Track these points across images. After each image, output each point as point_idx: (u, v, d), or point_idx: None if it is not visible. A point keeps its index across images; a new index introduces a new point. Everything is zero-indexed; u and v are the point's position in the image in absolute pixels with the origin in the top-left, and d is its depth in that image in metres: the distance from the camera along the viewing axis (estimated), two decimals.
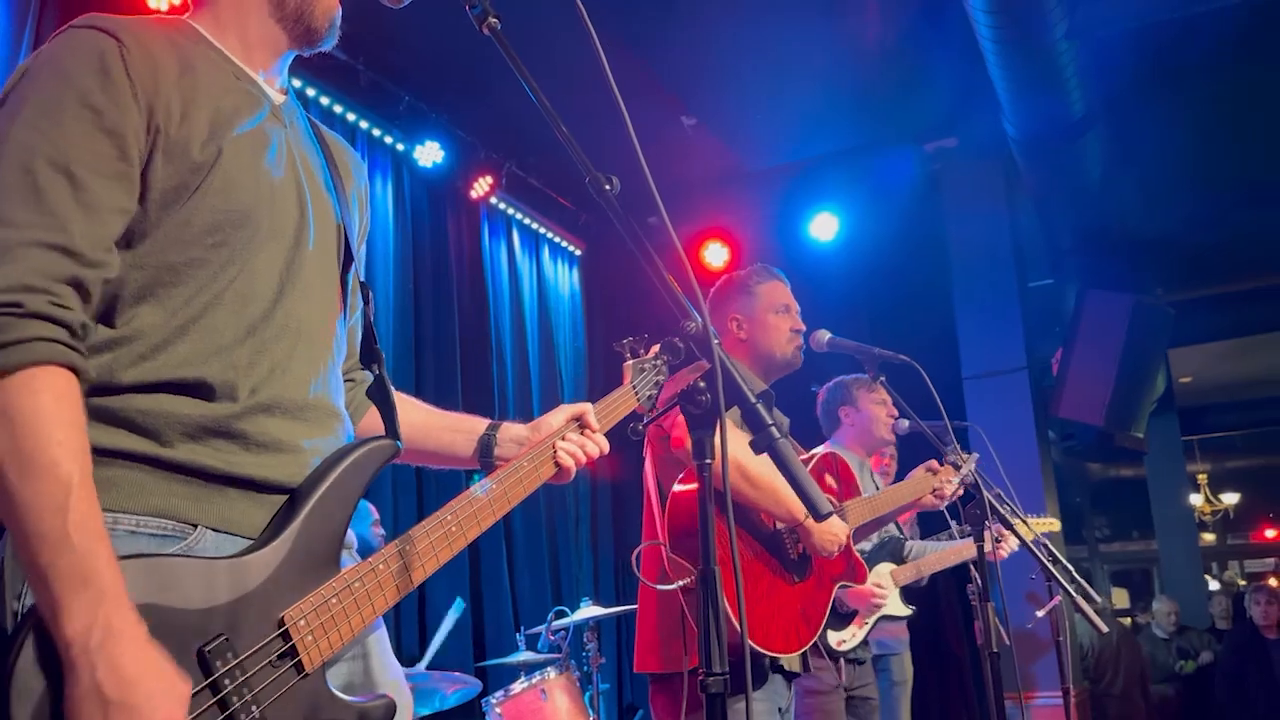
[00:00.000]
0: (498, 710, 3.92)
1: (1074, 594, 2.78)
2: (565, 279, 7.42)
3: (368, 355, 1.55)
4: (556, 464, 1.61)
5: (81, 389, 1.15)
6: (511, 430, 1.70)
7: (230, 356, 1.28)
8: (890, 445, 4.28)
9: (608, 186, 1.35)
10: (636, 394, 1.84)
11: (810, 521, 2.53)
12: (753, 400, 1.23)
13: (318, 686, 1.27)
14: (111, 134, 1.19)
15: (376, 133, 5.58)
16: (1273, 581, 13.59)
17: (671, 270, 1.35)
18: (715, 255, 7.04)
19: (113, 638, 1.05)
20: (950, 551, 3.96)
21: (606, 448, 1.69)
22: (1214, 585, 13.12)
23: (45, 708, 1.05)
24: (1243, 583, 14.90)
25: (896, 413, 3.96)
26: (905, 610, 3.88)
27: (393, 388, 1.52)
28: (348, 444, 1.41)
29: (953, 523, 4.07)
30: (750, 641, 2.36)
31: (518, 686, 3.94)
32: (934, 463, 3.20)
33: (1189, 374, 10.83)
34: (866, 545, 3.90)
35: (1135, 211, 7.24)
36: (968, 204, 6.69)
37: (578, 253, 7.55)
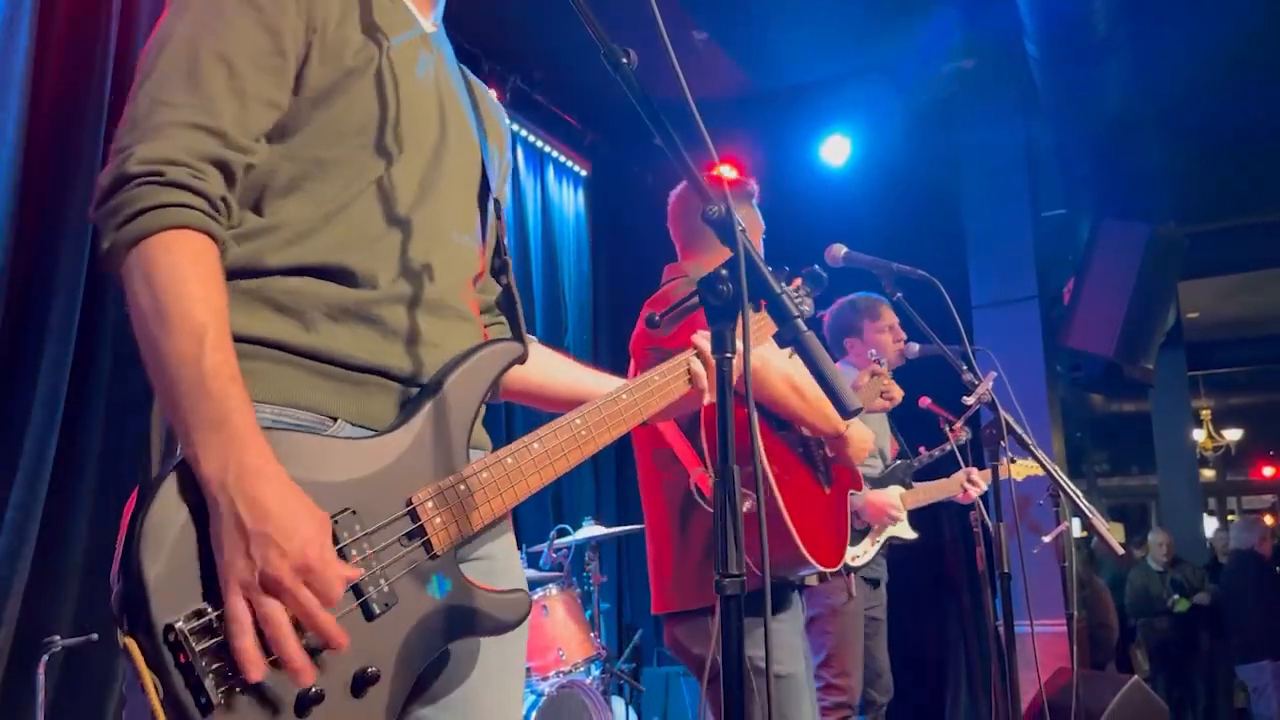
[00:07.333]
0: None
1: (1091, 517, 2.74)
2: (570, 200, 7.27)
3: (498, 266, 1.59)
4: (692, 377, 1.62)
5: (221, 260, 1.22)
6: None
7: (372, 248, 1.34)
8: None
9: (625, 60, 1.26)
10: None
11: (851, 430, 2.48)
12: (778, 289, 1.15)
13: (450, 570, 1.28)
14: (270, 30, 1.28)
15: None
16: (1269, 519, 13.68)
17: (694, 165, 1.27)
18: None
19: (248, 474, 1.11)
20: (948, 482, 3.88)
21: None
22: (1212, 523, 13.19)
23: (186, 546, 1.11)
24: (1234, 517, 15.00)
25: (904, 336, 3.87)
26: (912, 534, 3.84)
27: (519, 299, 1.56)
28: (475, 344, 1.46)
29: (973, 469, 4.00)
30: (804, 550, 2.32)
31: None
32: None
33: (1196, 309, 10.72)
34: (874, 470, 3.85)
35: (1152, 140, 7.08)
36: (983, 129, 6.53)
37: (584, 174, 7.40)
